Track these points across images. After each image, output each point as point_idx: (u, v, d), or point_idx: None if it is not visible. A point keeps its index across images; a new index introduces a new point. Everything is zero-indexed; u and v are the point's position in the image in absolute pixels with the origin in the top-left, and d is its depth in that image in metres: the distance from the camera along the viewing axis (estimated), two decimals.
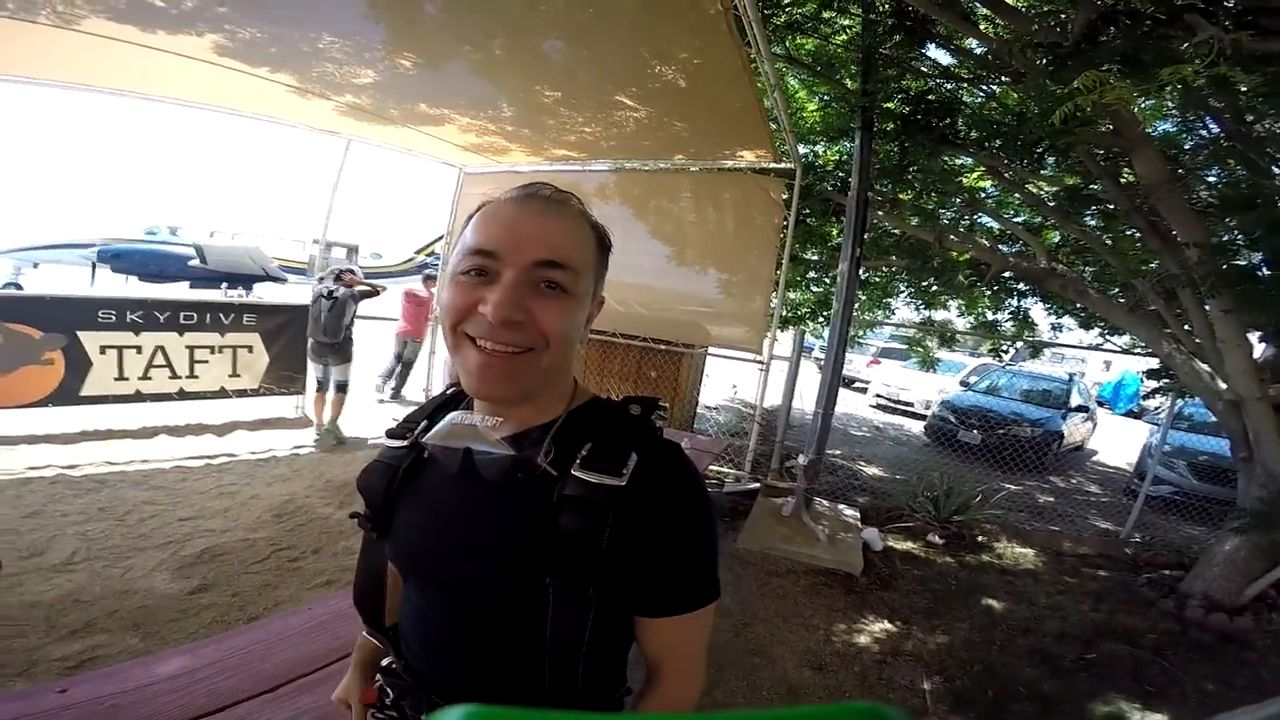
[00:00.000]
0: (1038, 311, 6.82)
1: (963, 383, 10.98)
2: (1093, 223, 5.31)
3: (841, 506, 5.23)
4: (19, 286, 12.13)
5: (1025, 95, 3.79)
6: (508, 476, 0.70)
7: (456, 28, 3.40)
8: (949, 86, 4.85)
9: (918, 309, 7.59)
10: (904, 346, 9.66)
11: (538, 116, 4.78)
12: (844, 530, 4.63)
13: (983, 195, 6.11)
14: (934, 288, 6.74)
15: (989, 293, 6.67)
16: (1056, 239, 6.11)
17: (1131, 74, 2.15)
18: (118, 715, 1.27)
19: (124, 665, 2.06)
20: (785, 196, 5.26)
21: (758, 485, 5.32)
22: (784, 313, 6.34)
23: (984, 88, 4.71)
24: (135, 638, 2.46)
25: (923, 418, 10.43)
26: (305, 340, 5.78)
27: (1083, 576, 4.53)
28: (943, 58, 4.89)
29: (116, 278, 14.70)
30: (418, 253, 20.91)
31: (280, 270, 16.48)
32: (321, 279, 5.73)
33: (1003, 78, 4.19)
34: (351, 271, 5.90)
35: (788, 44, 5.17)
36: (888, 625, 3.48)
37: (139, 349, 5.24)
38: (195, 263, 15.12)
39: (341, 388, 5.66)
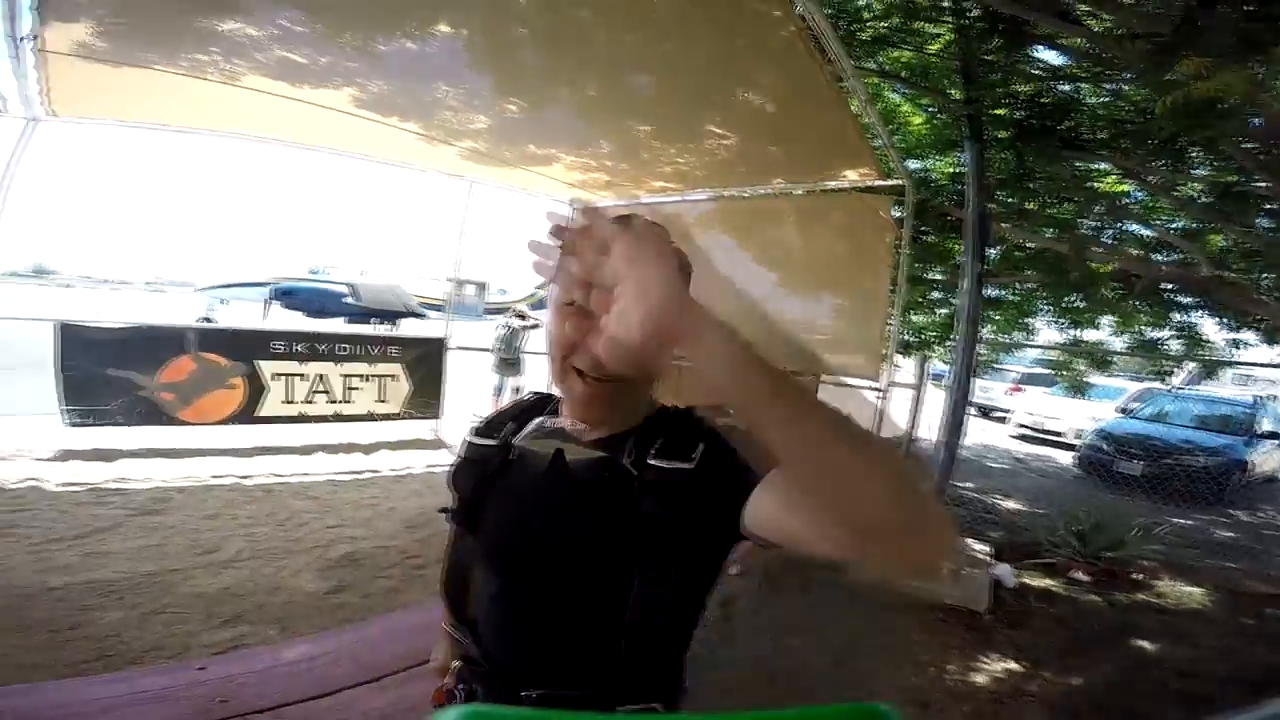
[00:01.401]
0: (1210, 326, 5.96)
1: (1122, 409, 9.98)
2: (1266, 224, 4.63)
3: (970, 541, 4.83)
4: (210, 320, 14.12)
5: (1137, 89, 3.44)
6: (594, 475, 0.81)
7: (550, 71, 3.67)
8: (1064, 87, 4.47)
9: (1062, 329, 6.86)
10: (1049, 371, 8.74)
11: (633, 150, 4.98)
12: (971, 566, 4.31)
13: (1125, 201, 5.52)
14: (1079, 304, 6.09)
15: (1146, 307, 5.93)
16: (1222, 243, 5.36)
17: (1240, 59, 1.93)
18: (242, 692, 1.49)
19: (257, 649, 2.41)
20: (897, 215, 5.06)
21: None
22: (906, 337, 6.01)
23: (1107, 85, 4.30)
24: (275, 630, 2.77)
25: (1073, 448, 9.52)
26: (441, 370, 6.66)
27: (1266, 619, 3.98)
28: (1052, 58, 4.54)
29: (285, 312, 16.84)
30: (538, 288, 22.11)
31: (420, 306, 18.11)
32: (507, 313, 7.80)
33: (1107, 72, 3.82)
34: (521, 315, 8.04)
35: (880, 58, 5.04)
36: (1012, 665, 3.19)
37: (304, 376, 6.03)
38: (349, 300, 16.99)
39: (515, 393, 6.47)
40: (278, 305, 16.94)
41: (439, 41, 3.41)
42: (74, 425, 4.92)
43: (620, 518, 0.77)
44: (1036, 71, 4.50)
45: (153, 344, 5.34)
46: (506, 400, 5.77)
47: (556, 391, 0.91)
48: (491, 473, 0.89)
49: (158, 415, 5.28)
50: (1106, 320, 6.57)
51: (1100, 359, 6.74)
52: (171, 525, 3.75)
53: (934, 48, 4.89)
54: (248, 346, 5.77)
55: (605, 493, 0.80)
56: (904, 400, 5.71)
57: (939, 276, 7.08)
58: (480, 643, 0.89)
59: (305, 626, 2.82)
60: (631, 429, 0.83)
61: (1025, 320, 7.11)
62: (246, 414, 5.73)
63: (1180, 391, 9.16)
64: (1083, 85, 4.48)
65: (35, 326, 5.06)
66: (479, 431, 0.96)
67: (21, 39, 3.37)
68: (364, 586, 3.33)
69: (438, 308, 18.40)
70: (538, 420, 0.87)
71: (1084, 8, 3.56)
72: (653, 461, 0.78)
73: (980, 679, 3.05)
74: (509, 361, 7.69)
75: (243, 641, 2.63)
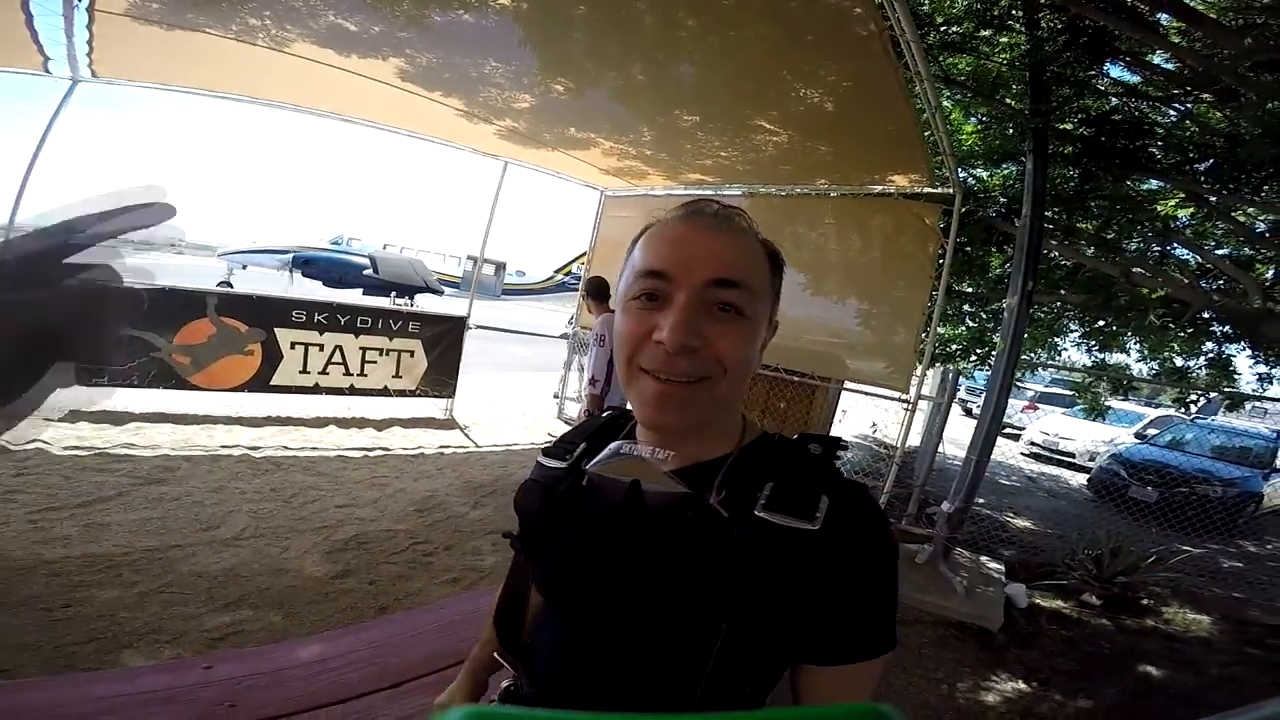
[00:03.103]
0: (1242, 359, 5.84)
1: (1138, 435, 10.00)
2: None
3: (984, 559, 4.79)
4: (230, 285, 14.18)
5: (1237, 115, 3.26)
6: (675, 513, 0.66)
7: (601, 53, 3.56)
8: (1136, 105, 4.29)
9: (1089, 351, 6.74)
10: (1069, 392, 8.70)
11: (675, 140, 4.84)
12: (985, 584, 4.27)
13: (1177, 224, 5.33)
14: (1113, 327, 5.94)
15: (1183, 336, 5.77)
16: (1270, 274, 5.17)
17: None
18: (251, 695, 1.39)
19: (267, 648, 2.28)
20: (942, 224, 4.89)
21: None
22: (933, 349, 5.88)
23: (1178, 106, 4.11)
24: (278, 616, 2.65)
25: (1085, 470, 9.71)
26: (459, 349, 6.52)
27: (1269, 649, 3.97)
28: (1125, 75, 4.35)
29: (305, 281, 16.90)
30: (557, 272, 22.10)
31: (438, 283, 18.17)
32: None
33: (1204, 95, 3.64)
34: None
35: (942, 63, 4.85)
36: (1021, 685, 3.18)
37: (321, 347, 5.92)
38: (369, 272, 17.04)
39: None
40: (299, 274, 16.99)
41: (495, 15, 3.27)
42: (85, 384, 4.81)
43: (707, 571, 0.64)
44: (1105, 88, 4.32)
45: (172, 306, 5.22)
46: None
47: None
48: (559, 499, 0.78)
49: (171, 378, 5.17)
50: (1134, 346, 6.47)
51: (1124, 384, 6.62)
52: (175, 497, 3.64)
53: (1001, 56, 4.70)
54: (268, 313, 5.66)
55: (686, 537, 0.66)
56: (923, 413, 5.62)
57: (971, 289, 6.95)
58: (534, 679, 0.80)
59: (309, 614, 2.73)
60: (721, 458, 0.70)
61: (1053, 340, 7.00)
62: (261, 382, 5.63)
63: (1200, 421, 9.14)
64: (1154, 105, 4.30)
65: None
66: (548, 451, 0.85)
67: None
68: (371, 572, 3.23)
69: (455, 285, 18.42)
70: (614, 445, 0.71)
71: (1175, 25, 3.38)
72: (762, 514, 0.63)
73: (991, 698, 3.05)
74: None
75: (242, 627, 2.53)
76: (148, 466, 4.00)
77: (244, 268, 17.73)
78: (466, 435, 6.28)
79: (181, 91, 5.24)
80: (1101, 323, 6.04)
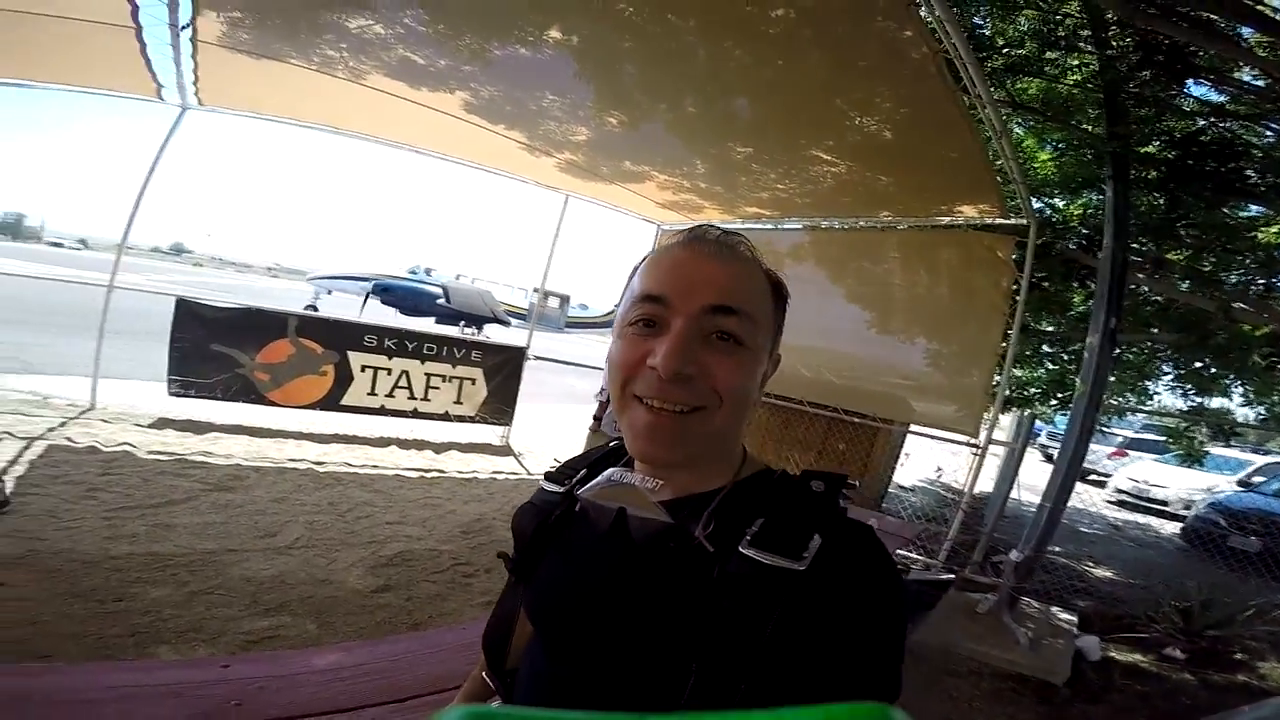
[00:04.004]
0: None
1: (1242, 482, 9.45)
2: None
3: (1055, 609, 4.51)
4: (315, 309, 15.08)
5: None
6: (659, 544, 0.65)
7: (652, 86, 3.63)
8: (1226, 125, 3.96)
9: (1185, 394, 6.17)
10: (1161, 438, 8.09)
11: (730, 173, 4.84)
12: (1052, 635, 4.03)
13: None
14: (1211, 369, 5.43)
15: None
16: None
17: None
18: (260, 697, 1.41)
19: (286, 651, 2.34)
20: (1015, 256, 4.64)
21: (951, 577, 4.68)
22: (1007, 392, 5.53)
23: (1275, 124, 3.77)
24: (314, 624, 2.71)
25: (1178, 518, 9.30)
26: (518, 379, 6.72)
27: None
28: (1210, 94, 4.04)
29: (382, 308, 17.83)
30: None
31: (505, 315, 18.80)
32: None
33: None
34: None
35: (1009, 88, 4.66)
36: None
37: (389, 371, 6.21)
38: (442, 301, 17.81)
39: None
40: (376, 300, 17.95)
41: (550, 49, 3.42)
42: (175, 395, 5.22)
43: (684, 605, 0.61)
44: (1188, 108, 4.03)
45: (258, 326, 5.63)
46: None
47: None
48: (552, 523, 0.78)
49: (251, 393, 5.54)
50: (1238, 389, 5.90)
51: (1227, 430, 6.03)
52: (240, 504, 3.84)
53: (1072, 78, 4.47)
54: (343, 337, 6.01)
55: (669, 569, 0.64)
56: (994, 458, 5.31)
57: (1050, 328, 6.55)
58: (512, 703, 0.81)
59: (343, 624, 2.79)
60: (714, 491, 0.67)
61: (1144, 382, 6.49)
62: (331, 401, 5.93)
63: None
64: (1245, 124, 3.96)
65: (164, 301, 5.44)
66: (549, 476, 0.85)
67: (183, 27, 3.65)
68: (410, 589, 3.28)
69: (521, 316, 19.01)
70: (608, 472, 0.70)
71: (1261, 39, 3.13)
72: (746, 551, 0.59)
73: None
74: None
75: (278, 633, 2.60)
76: (219, 474, 4.25)
77: (329, 293, 18.95)
78: (520, 462, 6.38)
79: (273, 120, 5.69)
80: (1198, 364, 5.52)
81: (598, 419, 5.83)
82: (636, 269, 0.68)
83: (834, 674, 0.57)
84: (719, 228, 0.67)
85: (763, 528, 0.61)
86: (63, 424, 4.60)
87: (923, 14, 2.65)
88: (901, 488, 7.59)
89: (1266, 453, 10.81)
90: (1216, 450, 8.52)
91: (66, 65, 4.43)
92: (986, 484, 5.51)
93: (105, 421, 4.83)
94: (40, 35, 3.73)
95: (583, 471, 0.80)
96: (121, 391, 5.52)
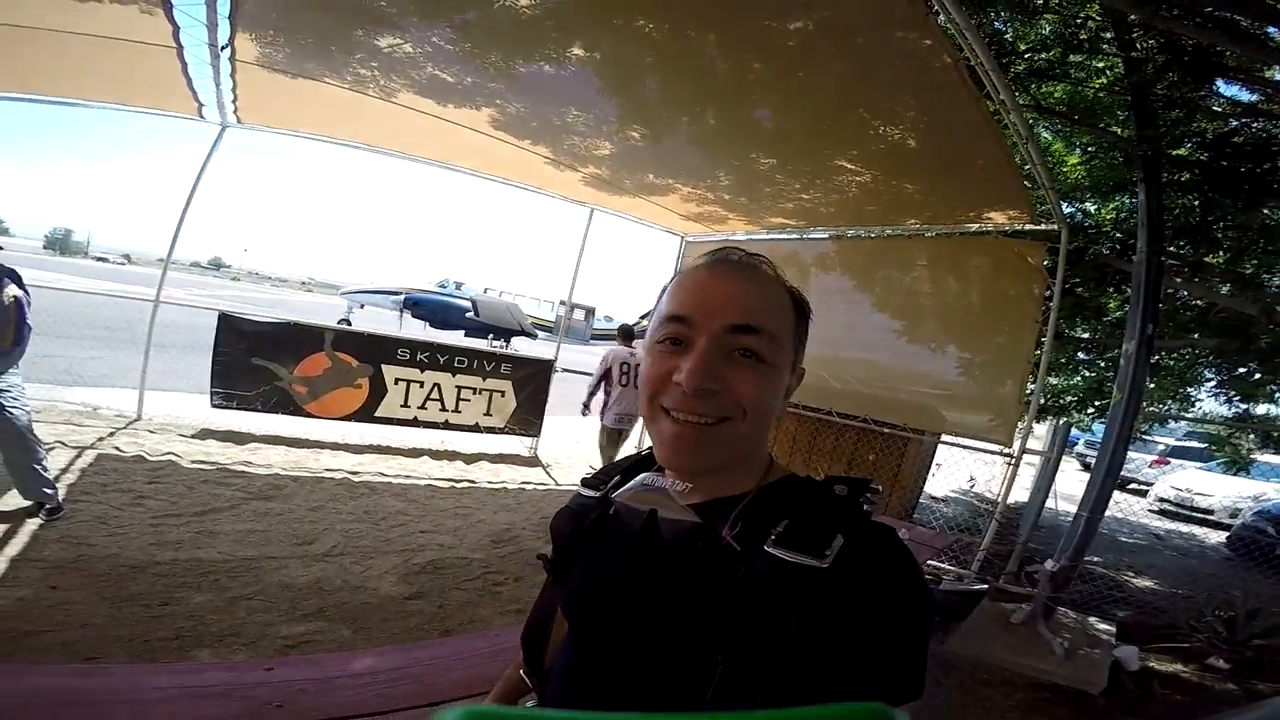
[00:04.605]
0: None
1: None
2: None
3: (1092, 619, 4.43)
4: (349, 323, 15.37)
5: None
6: (689, 543, 0.69)
7: (674, 99, 3.68)
8: (1260, 126, 3.85)
9: (1229, 401, 5.97)
10: (1204, 445, 7.84)
11: (754, 184, 4.86)
12: (1089, 645, 3.96)
13: None
14: (1256, 374, 5.25)
15: None
16: None
17: None
18: (302, 699, 1.45)
19: (326, 655, 2.40)
20: (1047, 263, 4.57)
21: (985, 587, 4.60)
22: (1042, 400, 5.42)
23: None
24: (348, 630, 2.78)
25: (1224, 527, 9.08)
26: (546, 391, 6.83)
27: None
28: (1240, 94, 3.93)
29: (413, 321, 18.12)
30: (643, 317, 22.53)
31: (532, 327, 18.97)
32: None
33: None
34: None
35: (1033, 92, 4.60)
36: None
37: (422, 384, 6.35)
38: (470, 314, 18.04)
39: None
40: (408, 315, 18.28)
41: (573, 65, 3.49)
42: (217, 406, 5.41)
43: (711, 603, 0.64)
44: (1219, 109, 3.93)
45: (295, 340, 5.81)
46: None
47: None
48: (588, 526, 0.82)
49: (289, 405, 5.71)
50: None
51: (1275, 436, 5.82)
52: (280, 513, 3.96)
53: (1098, 82, 4.39)
54: (377, 351, 6.16)
55: (698, 569, 0.67)
56: (1029, 467, 5.19)
57: (1085, 335, 6.40)
58: (544, 703, 0.84)
59: (377, 630, 2.85)
60: (742, 494, 0.70)
61: (1185, 389, 6.29)
62: (366, 413, 6.08)
63: None
64: (1278, 124, 3.85)
65: (206, 315, 5.65)
66: (586, 481, 0.89)
67: (223, 47, 3.81)
68: (441, 596, 3.35)
69: (547, 329, 19.18)
70: (641, 476, 0.75)
71: None
72: (771, 550, 0.62)
73: None
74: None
75: (314, 638, 2.67)
76: (260, 483, 4.39)
77: (362, 306, 19.36)
78: (548, 473, 6.45)
79: (308, 138, 5.89)
80: (1242, 369, 5.33)
81: (586, 405, 5.89)
82: (664, 290, 0.72)
83: (856, 669, 0.59)
84: (741, 249, 0.71)
85: (787, 528, 0.64)
86: (111, 434, 4.80)
87: (940, 20, 2.64)
88: (933, 498, 7.47)
89: None
90: (1264, 457, 8.26)
91: (114, 85, 4.64)
92: (1021, 494, 5.39)
93: (151, 432, 5.03)
94: (89, 55, 3.91)
95: (617, 477, 0.84)
96: (166, 403, 5.73)
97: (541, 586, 0.90)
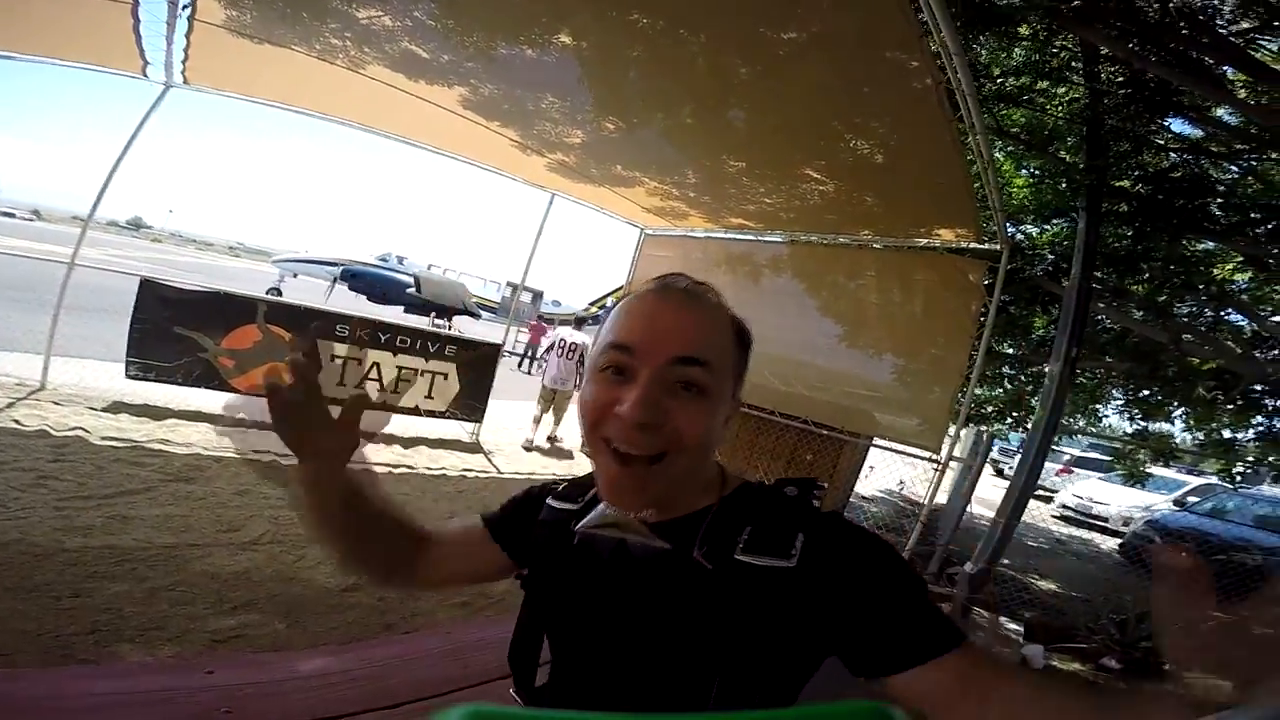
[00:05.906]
0: None
1: (1178, 502, 10.10)
2: None
3: (1003, 619, 4.75)
4: (279, 293, 14.52)
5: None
6: (659, 568, 0.69)
7: (653, 94, 3.64)
8: (1197, 162, 4.16)
9: (1132, 418, 6.50)
10: (1105, 458, 8.54)
11: (720, 184, 4.88)
12: (1001, 645, 4.30)
13: (1234, 288, 5.11)
14: (1159, 398, 5.70)
15: (1233, 409, 5.50)
16: None
17: None
18: (250, 703, 1.37)
19: (270, 656, 2.26)
20: (986, 281, 4.78)
21: None
22: (968, 409, 5.69)
23: (1242, 162, 3.97)
24: (283, 624, 2.63)
25: (1118, 535, 9.87)
26: (492, 375, 6.60)
27: None
28: (1188, 130, 4.23)
29: (348, 294, 17.36)
30: (591, 304, 22.39)
31: (476, 307, 18.51)
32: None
33: (1271, 154, 3.52)
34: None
35: (995, 115, 4.80)
36: None
37: (360, 362, 6.04)
38: (412, 291, 17.43)
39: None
40: (344, 286, 17.49)
41: (557, 52, 3.40)
42: (133, 378, 4.98)
43: (694, 621, 0.66)
44: (1165, 144, 4.21)
45: (224, 309, 5.40)
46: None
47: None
48: (563, 546, 0.80)
49: (213, 379, 5.30)
50: (1179, 414, 6.21)
51: (1168, 453, 6.36)
52: (201, 496, 3.69)
53: (1059, 110, 4.62)
54: (315, 325, 5.82)
55: (673, 588, 0.68)
56: (952, 472, 5.49)
57: (1011, 350, 6.78)
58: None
59: (313, 624, 2.70)
60: (704, 510, 0.72)
61: (1094, 406, 6.78)
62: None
63: (1245, 490, 8.81)
64: (1215, 161, 4.16)
65: (121, 278, 5.20)
66: (557, 495, 0.87)
67: (184, 7, 3.56)
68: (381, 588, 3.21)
69: (492, 310, 18.75)
70: (601, 506, 0.72)
71: (1241, 79, 3.30)
72: (741, 558, 0.66)
73: None
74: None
75: (245, 632, 2.51)
76: (178, 463, 4.08)
77: (295, 276, 18.38)
78: (490, 460, 6.29)
79: (261, 104, 5.52)
80: (1146, 392, 5.79)
81: (532, 360, 5.75)
82: (610, 313, 0.72)
83: (889, 625, 0.62)
84: (688, 276, 0.71)
85: (751, 535, 0.68)
86: (10, 405, 4.36)
87: (930, 43, 2.71)
88: (863, 498, 7.77)
89: (1201, 474, 11.36)
90: (1157, 470, 9.02)
91: (52, 39, 4.24)
92: (943, 498, 5.68)
93: (57, 404, 4.59)
94: (28, 7, 3.59)
95: (592, 492, 0.82)
96: (75, 371, 5.26)
97: (522, 604, 0.87)
